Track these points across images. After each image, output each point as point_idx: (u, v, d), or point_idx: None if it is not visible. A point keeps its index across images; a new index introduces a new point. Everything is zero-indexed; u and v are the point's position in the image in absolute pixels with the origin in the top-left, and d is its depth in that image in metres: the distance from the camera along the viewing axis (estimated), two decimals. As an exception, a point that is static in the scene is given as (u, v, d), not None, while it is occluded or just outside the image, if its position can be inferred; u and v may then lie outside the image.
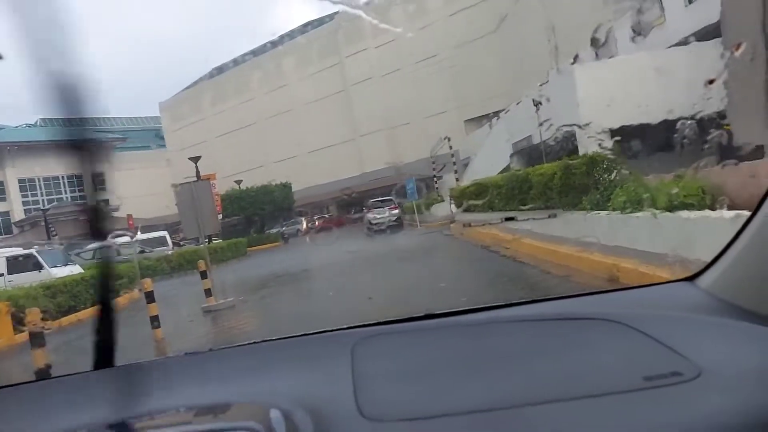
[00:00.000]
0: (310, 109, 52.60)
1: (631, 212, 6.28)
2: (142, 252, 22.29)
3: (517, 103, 25.80)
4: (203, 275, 9.67)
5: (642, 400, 0.89)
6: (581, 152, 13.90)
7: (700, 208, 5.24)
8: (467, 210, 17.19)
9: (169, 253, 23.17)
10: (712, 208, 5.13)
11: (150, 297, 7.57)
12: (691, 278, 1.28)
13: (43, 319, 10.86)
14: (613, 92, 15.88)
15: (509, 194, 11.52)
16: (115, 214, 36.91)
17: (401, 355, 1.16)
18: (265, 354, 1.29)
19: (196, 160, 28.06)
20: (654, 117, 13.89)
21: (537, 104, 14.51)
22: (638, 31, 20.59)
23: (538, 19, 30.92)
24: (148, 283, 7.98)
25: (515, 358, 1.08)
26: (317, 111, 51.89)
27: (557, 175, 8.41)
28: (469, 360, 1.10)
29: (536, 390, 0.95)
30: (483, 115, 37.95)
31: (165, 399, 1.10)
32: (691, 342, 1.00)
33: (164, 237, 26.23)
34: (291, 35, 57.21)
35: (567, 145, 17.54)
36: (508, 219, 9.23)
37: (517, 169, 16.92)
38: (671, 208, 5.50)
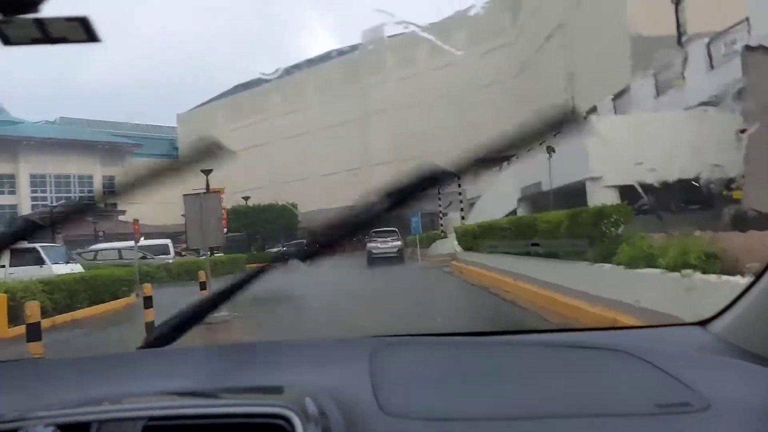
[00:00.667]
0: (324, 134, 53.04)
1: (635, 268, 6.28)
2: (143, 258, 22.32)
3: (529, 149, 25.96)
4: (202, 286, 9.68)
5: (654, 425, 0.91)
6: (590, 204, 13.97)
7: (706, 271, 5.24)
8: (470, 249, 17.17)
9: (170, 261, 23.20)
10: (718, 272, 5.13)
11: (148, 302, 7.57)
12: (702, 323, 1.30)
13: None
14: (627, 148, 15.98)
15: (514, 238, 11.53)
16: (121, 218, 37.09)
17: (419, 363, 1.18)
18: (283, 352, 1.32)
19: (207, 172, 28.18)
20: (665, 176, 14.02)
21: (550, 151, 14.59)
22: (657, 90, 20.82)
23: (558, 68, 31.38)
24: (148, 288, 7.98)
25: (530, 376, 1.10)
26: (331, 137, 52.32)
27: (564, 224, 8.43)
28: (485, 373, 1.12)
29: (552, 405, 0.97)
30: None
31: (190, 383, 1.12)
32: (700, 377, 1.02)
33: (167, 245, 26.28)
34: (314, 61, 58.08)
35: (576, 195, 17.62)
36: (533, 245, 9.18)
37: (524, 214, 16.97)
38: (676, 267, 5.50)
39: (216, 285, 11.17)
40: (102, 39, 0.61)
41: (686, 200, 13.99)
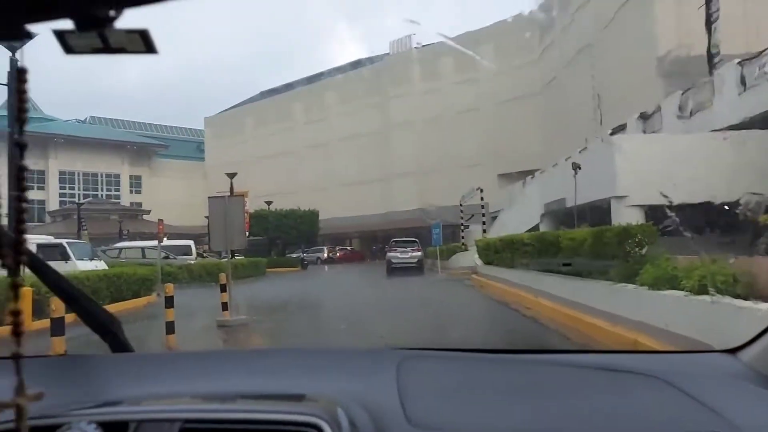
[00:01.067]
0: (347, 143, 53.31)
1: (659, 289, 6.19)
2: (166, 258, 22.57)
3: (554, 165, 25.80)
4: (223, 289, 9.76)
5: None
6: (614, 222, 13.81)
7: (732, 294, 5.15)
8: (491, 263, 17.07)
9: (192, 262, 23.42)
10: (743, 297, 5.04)
11: (170, 302, 7.65)
12: (732, 351, 1.29)
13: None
14: (654, 168, 15.80)
15: (536, 254, 11.45)
16: (146, 217, 37.65)
17: (445, 376, 1.19)
18: (310, 359, 1.34)
19: (232, 176, 28.55)
20: (693, 198, 13.82)
21: (576, 168, 14.48)
22: (686, 110, 20.57)
23: (585, 86, 31.19)
24: (170, 288, 8.06)
25: (557, 396, 1.09)
26: (354, 146, 52.57)
27: (587, 242, 8.35)
28: (511, 391, 1.12)
29: (578, 427, 0.97)
30: (517, 172, 38.03)
31: (220, 386, 1.15)
32: (731, 406, 1.01)
33: (189, 246, 26.57)
34: (339, 70, 58.50)
35: (600, 213, 17.44)
36: (565, 265, 9.11)
37: (547, 230, 16.81)
38: (701, 290, 5.41)
39: (235, 288, 11.31)
40: (158, 51, 0.62)
41: (714, 223, 13.77)
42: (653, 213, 15.42)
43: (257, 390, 1.12)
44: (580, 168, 14.70)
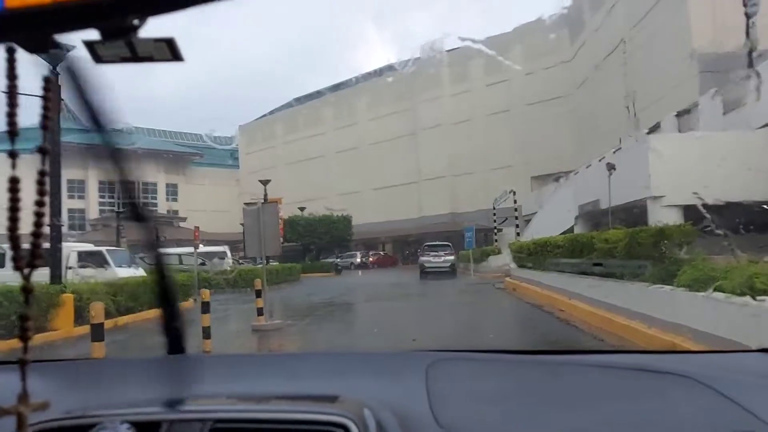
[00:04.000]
0: (378, 148, 53.41)
1: (697, 291, 6.06)
2: (202, 264, 22.95)
3: (587, 166, 25.44)
4: (258, 294, 9.90)
5: None
6: (650, 223, 13.55)
7: (774, 296, 5.01)
8: (524, 266, 16.89)
9: (228, 268, 23.77)
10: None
11: (206, 308, 7.78)
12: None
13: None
14: (690, 167, 15.45)
15: (570, 256, 11.30)
16: (181, 224, 38.37)
17: (475, 379, 1.18)
18: (338, 362, 1.37)
19: (266, 183, 28.95)
20: (731, 197, 13.45)
21: (611, 168, 14.25)
22: (724, 108, 20.06)
23: (617, 86, 30.65)
24: (206, 294, 8.20)
25: (590, 398, 1.08)
26: (384, 151, 52.63)
27: (622, 243, 8.21)
28: (542, 393, 1.11)
29: (613, 429, 0.96)
30: (550, 174, 37.56)
31: (248, 388, 1.18)
32: (765, 406, 0.99)
33: (224, 252, 26.99)
34: (368, 76, 58.72)
35: (636, 214, 17.12)
36: (596, 264, 8.97)
37: (581, 232, 16.56)
38: (742, 292, 5.28)
39: (270, 293, 11.46)
40: (185, 59, 0.64)
41: (751, 223, 13.35)
42: (690, 213, 15.09)
43: (287, 392, 1.13)
44: (615, 168, 14.48)
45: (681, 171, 15.56)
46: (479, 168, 45.21)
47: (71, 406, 0.96)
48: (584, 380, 1.16)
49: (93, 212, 57.31)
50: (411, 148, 51.38)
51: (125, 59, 0.65)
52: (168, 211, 58.87)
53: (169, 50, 0.65)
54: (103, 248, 16.71)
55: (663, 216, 14.54)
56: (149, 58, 0.66)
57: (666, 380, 1.11)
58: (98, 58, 0.65)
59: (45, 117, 0.55)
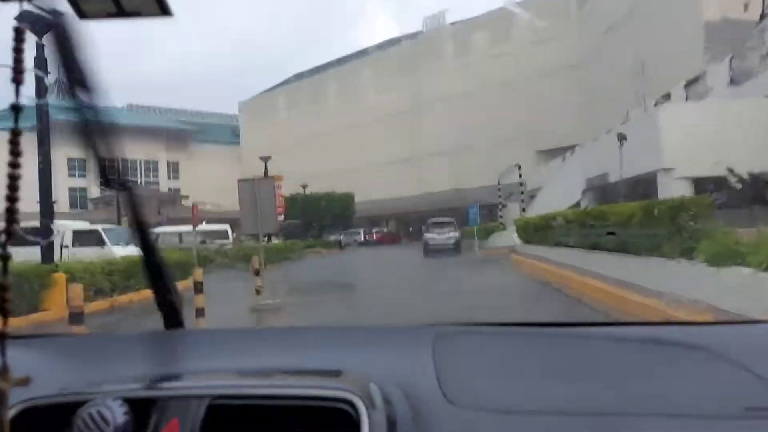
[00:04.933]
0: (381, 123, 52.91)
1: (720, 266, 5.66)
2: (203, 243, 22.68)
3: (594, 139, 24.99)
4: (256, 273, 9.55)
5: (744, 429, 0.84)
6: (660, 197, 13.16)
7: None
8: (530, 242, 16.56)
9: (229, 247, 23.49)
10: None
11: (199, 288, 7.46)
12: None
13: (96, 293, 11.09)
14: (702, 138, 15.00)
15: (580, 231, 10.91)
16: (184, 202, 38.34)
17: (484, 352, 1.15)
18: (341, 337, 1.33)
19: (266, 159, 28.51)
20: (748, 168, 12.97)
21: (622, 138, 13.79)
22: (734, 77, 19.55)
23: (625, 57, 30.00)
24: (198, 274, 7.87)
25: (605, 371, 1.04)
26: (387, 126, 52.15)
27: (637, 217, 7.79)
28: (553, 366, 1.07)
29: (626, 403, 0.91)
30: (556, 148, 37.06)
31: (261, 361, 1.14)
32: None
33: (226, 230, 26.69)
34: (370, 50, 57.93)
35: (645, 187, 16.73)
36: (609, 234, 8.51)
37: (591, 207, 16.17)
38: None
39: (272, 271, 11.13)
40: (173, 13, 0.65)
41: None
42: (702, 185, 14.69)
43: (289, 366, 1.09)
44: (626, 138, 13.98)
45: (693, 142, 15.12)
46: (484, 143, 44.71)
47: (63, 383, 0.94)
48: (595, 353, 1.12)
49: (95, 191, 57.08)
50: (415, 124, 50.95)
51: (111, 15, 0.65)
52: (170, 190, 58.61)
53: (157, 4, 0.64)
54: (99, 226, 16.39)
55: (674, 189, 14.17)
56: (136, 14, 0.65)
57: (680, 352, 1.08)
58: (82, 14, 0.65)
59: (16, 71, 0.53)
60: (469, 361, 1.09)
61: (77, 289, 5.35)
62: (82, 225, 18.24)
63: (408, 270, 17.96)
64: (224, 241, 24.92)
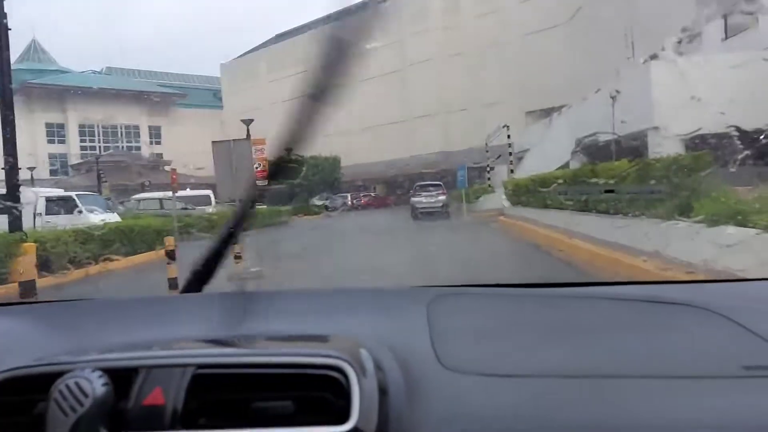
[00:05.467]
0: (366, 85, 51.94)
1: (719, 226, 5.35)
2: (185, 209, 22.18)
3: (584, 99, 24.64)
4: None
5: (742, 388, 0.83)
6: (651, 156, 12.87)
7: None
8: (519, 204, 16.33)
9: (210, 212, 23.02)
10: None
11: (171, 255, 7.07)
12: None
13: (70, 262, 10.71)
14: (695, 94, 14.65)
15: (571, 192, 10.60)
16: (167, 168, 37.73)
17: (478, 315, 1.13)
18: (330, 300, 1.30)
19: (248, 122, 27.79)
20: (741, 125, 12.67)
21: (615, 95, 13.43)
22: (727, 32, 19.19)
23: (615, 13, 29.38)
24: (170, 241, 7.47)
25: (600, 332, 1.02)
26: (373, 88, 51.21)
27: (631, 176, 7.46)
28: (549, 328, 1.04)
29: (623, 364, 0.90)
30: (545, 109, 36.68)
31: (248, 327, 1.11)
32: None
33: (208, 196, 26.14)
34: (355, 9, 56.63)
35: (636, 147, 16.45)
36: (607, 191, 8.09)
37: (583, 166, 15.86)
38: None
39: (256, 237, 10.73)
40: None
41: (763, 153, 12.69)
42: (695, 145, 14.40)
43: (277, 332, 1.06)
44: (619, 93, 13.61)
45: (685, 99, 14.75)
46: (471, 104, 44.24)
47: (39, 353, 0.90)
48: (592, 313, 1.10)
49: (74, 157, 55.99)
50: (402, 85, 50.25)
51: None
52: (152, 155, 57.63)
53: None
54: (73, 193, 15.83)
55: (665, 148, 13.88)
56: None
57: (680, 311, 1.06)
58: None
59: None
60: (463, 324, 1.07)
61: (28, 261, 4.96)
62: (55, 192, 17.66)
63: (394, 235, 17.75)
64: (206, 207, 24.43)
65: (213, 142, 9.56)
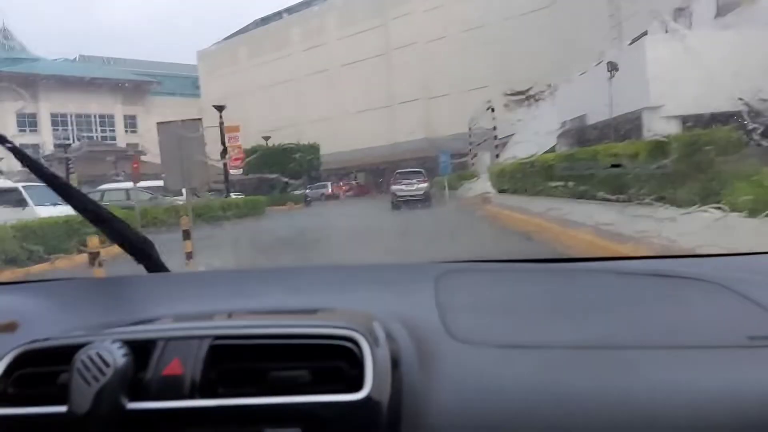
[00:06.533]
0: (348, 70, 51.04)
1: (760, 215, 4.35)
2: (154, 199, 21.03)
3: (568, 81, 23.90)
4: (185, 236, 8.03)
5: (748, 358, 0.84)
6: (645, 137, 11.99)
7: None
8: (505, 191, 15.45)
9: (181, 203, 21.85)
10: None
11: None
12: None
13: (8, 263, 9.59)
14: (693, 72, 13.83)
15: (563, 177, 9.62)
16: (143, 158, 36.27)
17: (486, 289, 1.13)
18: (338, 276, 1.30)
19: (220, 109, 26.66)
20: (738, 103, 11.82)
21: (612, 70, 12.51)
22: (718, 9, 18.43)
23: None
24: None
25: (608, 304, 1.02)
26: (355, 73, 50.33)
27: (640, 158, 6.43)
28: (555, 301, 1.05)
29: (631, 335, 0.91)
30: (525, 91, 35.97)
31: (259, 301, 1.13)
32: None
33: (179, 186, 24.92)
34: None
35: (628, 128, 15.68)
36: (614, 166, 6.99)
37: (580, 148, 14.96)
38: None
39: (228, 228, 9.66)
40: None
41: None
42: (694, 125, 13.62)
43: (291, 306, 1.07)
44: (617, 69, 12.71)
45: (682, 77, 13.92)
46: (455, 89, 43.40)
47: (58, 328, 0.92)
48: (599, 287, 1.10)
49: (48, 147, 54.30)
50: (383, 70, 49.30)
51: None
52: (128, 145, 56.05)
53: None
54: (18, 185, 14.49)
55: (661, 128, 13.12)
56: None
57: (686, 284, 1.05)
58: None
59: None
60: (471, 298, 1.08)
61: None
62: (-1, 183, 16.23)
63: (373, 224, 16.84)
64: (177, 198, 23.23)
65: (158, 123, 8.36)
